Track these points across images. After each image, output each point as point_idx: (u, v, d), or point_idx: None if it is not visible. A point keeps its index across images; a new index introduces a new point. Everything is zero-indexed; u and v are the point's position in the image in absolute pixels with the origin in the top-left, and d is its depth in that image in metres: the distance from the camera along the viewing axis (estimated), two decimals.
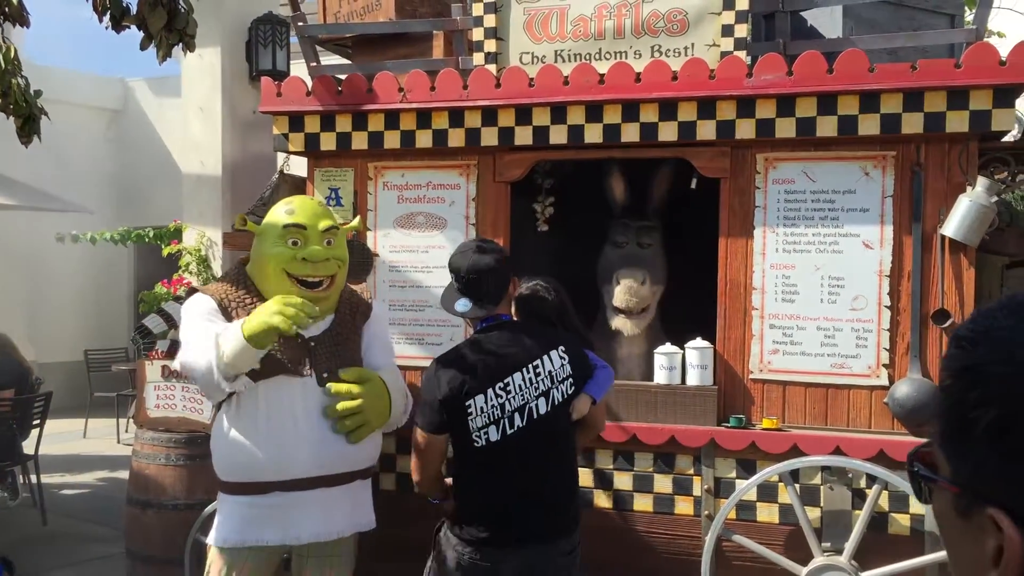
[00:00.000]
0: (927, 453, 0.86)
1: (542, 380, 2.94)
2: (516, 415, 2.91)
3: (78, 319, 11.52)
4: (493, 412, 2.90)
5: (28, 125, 4.10)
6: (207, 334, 3.37)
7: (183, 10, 3.83)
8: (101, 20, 3.82)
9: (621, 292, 4.35)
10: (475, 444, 2.93)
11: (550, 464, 2.98)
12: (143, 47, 3.86)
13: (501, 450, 2.92)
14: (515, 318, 3.24)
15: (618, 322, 4.42)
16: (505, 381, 2.92)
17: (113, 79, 12.43)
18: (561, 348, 3.02)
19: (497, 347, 2.98)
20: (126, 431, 9.43)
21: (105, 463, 8.37)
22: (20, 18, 3.90)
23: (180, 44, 3.90)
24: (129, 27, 3.83)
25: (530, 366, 2.94)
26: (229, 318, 3.49)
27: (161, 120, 12.00)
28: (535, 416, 2.92)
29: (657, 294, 4.45)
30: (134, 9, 3.86)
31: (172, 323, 4.89)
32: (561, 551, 3.02)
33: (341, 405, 3.46)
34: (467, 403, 2.90)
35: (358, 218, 3.96)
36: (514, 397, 2.91)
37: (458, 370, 2.95)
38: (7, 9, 3.85)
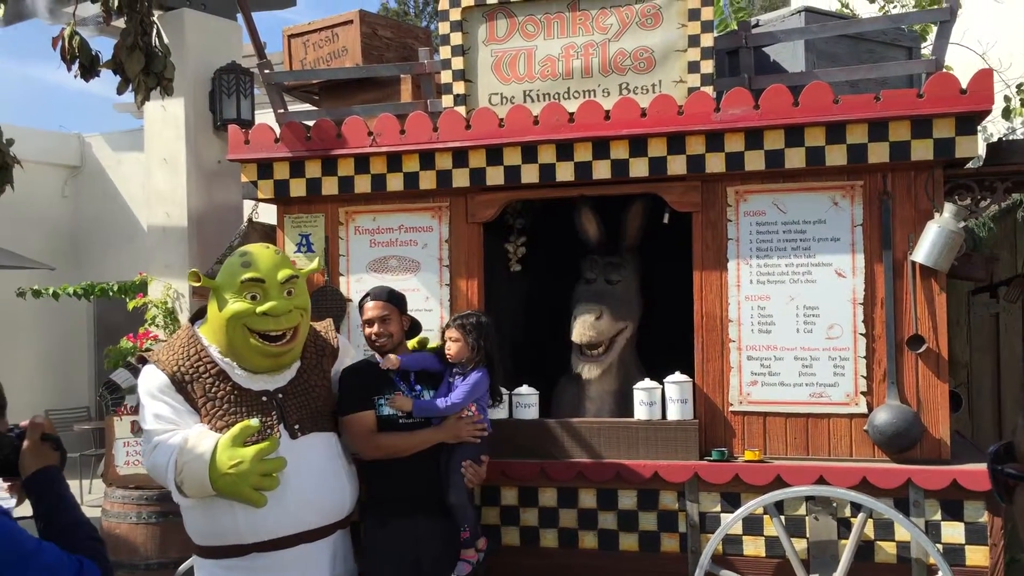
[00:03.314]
0: (1005, 454, 0.83)
1: None
2: None
3: (38, 378, 11.25)
4: None
5: (1, 175, 4.04)
6: (169, 443, 3.29)
7: (160, 53, 3.80)
8: (69, 69, 3.78)
9: (576, 327, 4.31)
10: None
11: None
12: (120, 91, 3.84)
13: None
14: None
15: (578, 365, 4.37)
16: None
17: (70, 135, 12.30)
18: None
19: None
20: (89, 492, 9.19)
21: None
22: None
23: (158, 88, 3.87)
24: (99, 75, 3.79)
25: None
26: (185, 393, 3.38)
27: (119, 175, 11.88)
28: None
29: (625, 331, 4.41)
30: (103, 58, 3.84)
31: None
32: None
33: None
34: None
35: (317, 259, 3.92)
36: None
37: None
38: None
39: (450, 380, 3.76)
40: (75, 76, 3.78)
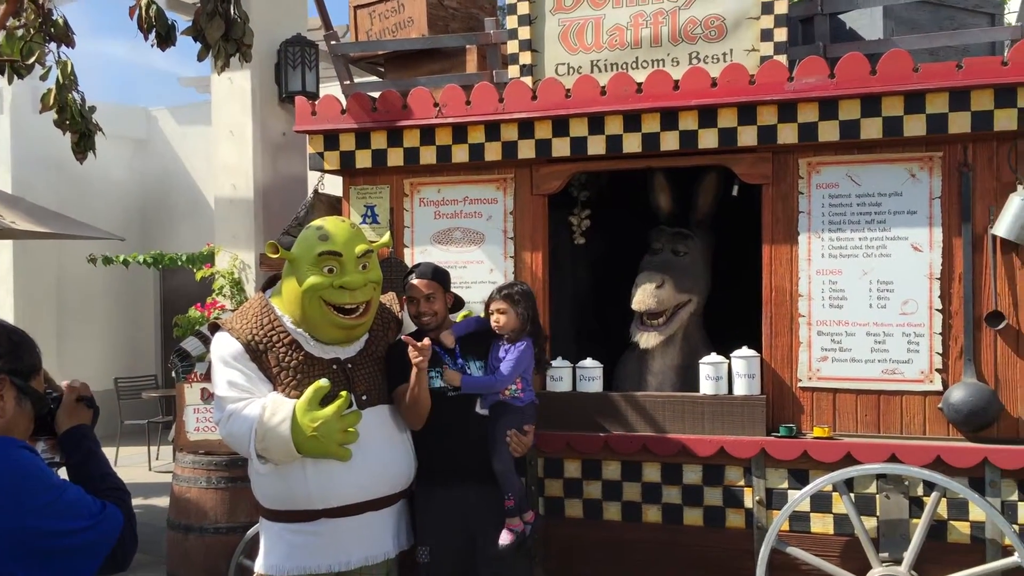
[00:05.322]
0: None
1: None
2: None
3: (106, 347, 11.56)
4: None
5: (83, 141, 4.13)
6: (245, 413, 3.34)
7: (239, 20, 3.84)
8: (147, 39, 3.84)
9: (637, 294, 4.26)
10: None
11: None
12: (200, 58, 3.88)
13: None
14: None
15: (636, 334, 4.34)
16: None
17: (137, 108, 12.50)
18: None
19: None
20: (157, 458, 9.43)
21: (138, 490, 8.32)
22: (66, 39, 3.96)
23: (237, 54, 3.90)
24: (174, 44, 3.85)
25: None
26: (260, 362, 3.43)
27: (184, 148, 12.06)
28: None
29: (688, 305, 4.36)
30: (179, 28, 3.91)
31: (210, 345, 4.87)
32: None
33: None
34: None
35: (388, 234, 3.92)
36: None
37: None
38: (53, 30, 3.89)
39: (499, 353, 3.72)
40: (152, 45, 3.83)
